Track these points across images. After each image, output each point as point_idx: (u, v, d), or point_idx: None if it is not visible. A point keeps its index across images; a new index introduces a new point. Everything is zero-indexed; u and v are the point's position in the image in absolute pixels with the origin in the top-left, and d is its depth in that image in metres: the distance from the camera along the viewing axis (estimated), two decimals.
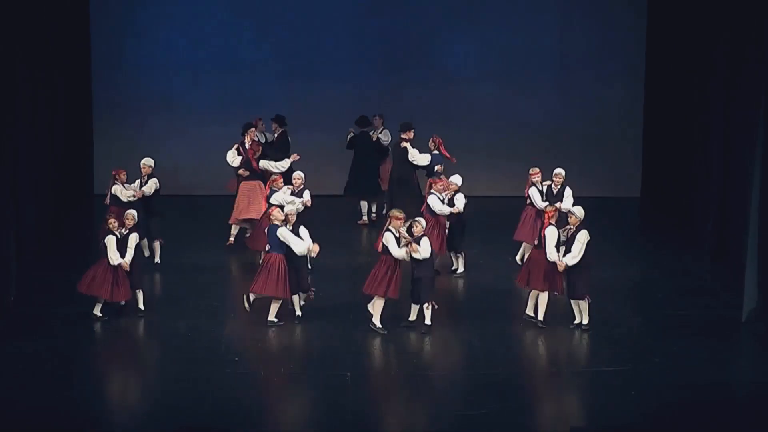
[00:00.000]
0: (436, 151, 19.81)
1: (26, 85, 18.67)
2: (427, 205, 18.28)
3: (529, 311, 16.41)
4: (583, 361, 15.50)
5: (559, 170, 18.62)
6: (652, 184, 23.50)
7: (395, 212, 16.20)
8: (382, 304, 16.06)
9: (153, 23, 23.56)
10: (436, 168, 19.59)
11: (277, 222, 16.19)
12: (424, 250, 15.88)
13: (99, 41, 23.30)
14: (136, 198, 18.21)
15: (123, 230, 16.34)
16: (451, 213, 18.19)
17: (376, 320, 16.07)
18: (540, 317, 16.22)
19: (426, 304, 16.01)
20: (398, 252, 15.92)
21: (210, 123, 23.33)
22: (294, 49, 23.70)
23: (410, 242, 15.87)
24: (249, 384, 14.58)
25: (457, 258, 18.70)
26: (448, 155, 19.74)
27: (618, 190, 23.68)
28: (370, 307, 16.18)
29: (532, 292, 16.36)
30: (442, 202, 18.19)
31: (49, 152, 20.07)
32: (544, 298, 16.22)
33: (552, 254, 16.03)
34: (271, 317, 16.21)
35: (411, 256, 15.89)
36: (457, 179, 18.48)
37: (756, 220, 16.43)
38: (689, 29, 21.34)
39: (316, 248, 16.25)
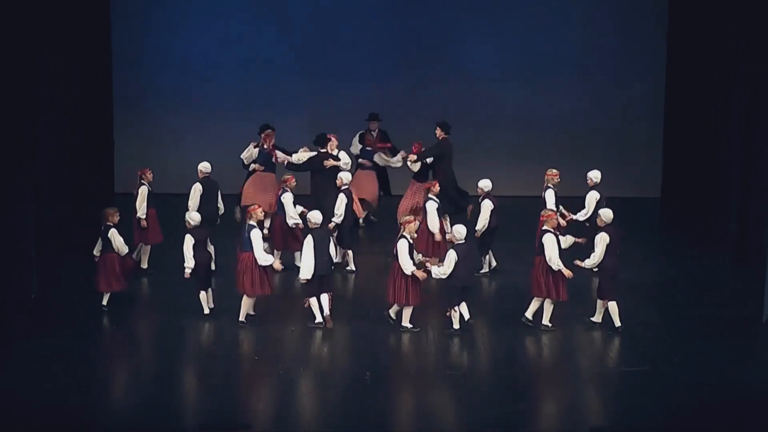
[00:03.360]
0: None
1: (47, 84, 18.73)
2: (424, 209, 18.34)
3: (529, 315, 16.31)
4: (603, 360, 15.47)
5: (591, 173, 18.61)
6: (673, 184, 23.44)
7: (407, 217, 16.19)
8: (411, 310, 16.08)
9: (173, 21, 23.60)
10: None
11: (253, 222, 16.22)
12: (446, 268, 15.80)
13: (119, 39, 23.33)
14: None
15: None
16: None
17: (406, 322, 16.10)
18: (545, 321, 16.17)
19: (447, 311, 16.02)
20: (407, 266, 15.89)
21: (230, 121, 23.34)
22: (314, 48, 23.70)
23: (424, 267, 15.92)
24: (268, 383, 14.61)
25: (483, 259, 18.73)
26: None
27: (638, 190, 23.61)
28: (392, 312, 16.18)
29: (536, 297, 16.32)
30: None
31: (69, 150, 20.14)
32: (548, 304, 16.17)
33: (555, 262, 15.98)
34: (243, 317, 16.24)
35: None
36: (486, 183, 18.47)
37: None
38: (710, 29, 21.28)
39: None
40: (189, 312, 16.65)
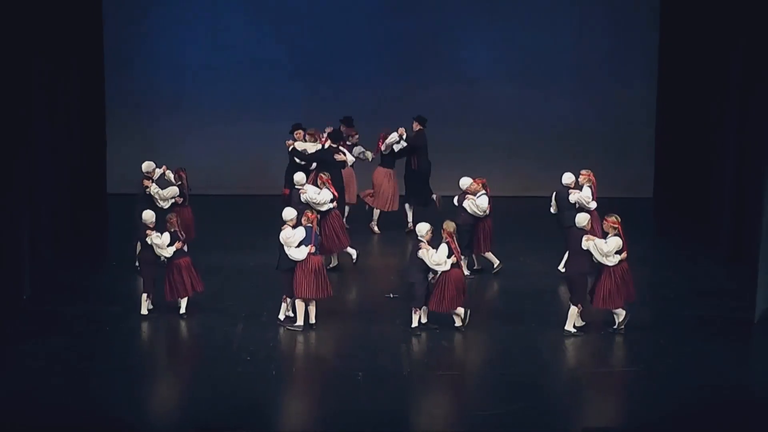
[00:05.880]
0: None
1: (40, 86, 18.71)
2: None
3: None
4: (597, 361, 15.46)
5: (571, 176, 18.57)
6: (666, 185, 23.44)
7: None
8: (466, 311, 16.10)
9: (166, 23, 23.56)
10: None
11: (310, 224, 16.22)
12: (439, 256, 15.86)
13: (112, 41, 23.30)
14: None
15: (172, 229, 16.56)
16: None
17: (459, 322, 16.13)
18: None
19: (414, 310, 16.08)
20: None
21: (224, 123, 23.33)
22: (309, 49, 23.68)
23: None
24: (261, 383, 14.59)
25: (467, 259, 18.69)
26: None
27: (631, 190, 23.61)
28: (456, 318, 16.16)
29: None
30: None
31: (63, 152, 20.11)
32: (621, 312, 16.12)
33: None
34: (300, 321, 16.19)
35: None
36: (465, 181, 18.45)
37: None
38: (704, 30, 21.28)
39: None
40: (187, 312, 16.62)
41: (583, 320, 16.13)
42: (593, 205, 17.88)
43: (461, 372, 15.07)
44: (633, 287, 16.06)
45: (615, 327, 16.04)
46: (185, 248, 16.58)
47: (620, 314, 16.07)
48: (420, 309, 16.08)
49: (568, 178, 18.40)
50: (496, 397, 14.13)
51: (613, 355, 15.53)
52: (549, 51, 23.72)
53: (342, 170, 20.02)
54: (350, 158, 20.24)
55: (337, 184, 19.01)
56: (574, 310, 16.04)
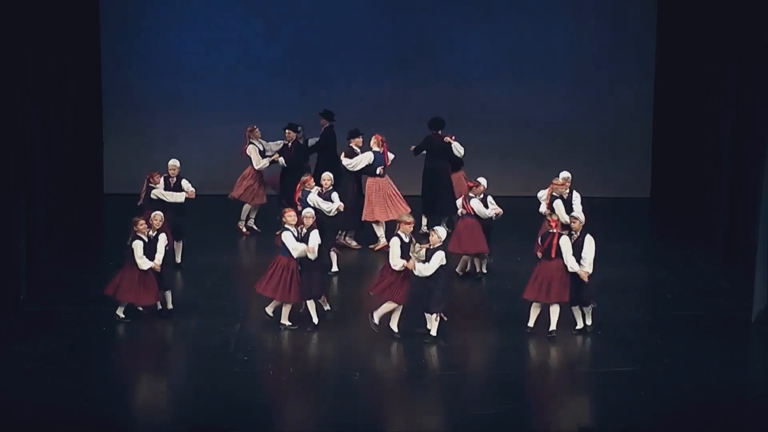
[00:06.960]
0: (377, 149, 19.91)
1: (37, 85, 18.71)
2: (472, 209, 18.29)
3: (532, 323, 16.09)
4: (593, 361, 15.48)
5: (565, 174, 18.46)
6: (663, 185, 23.48)
7: (404, 217, 16.13)
8: (390, 307, 15.90)
9: (163, 22, 23.54)
10: (378, 169, 19.77)
11: (289, 226, 16.18)
12: (430, 266, 15.54)
13: (109, 40, 23.30)
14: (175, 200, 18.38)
15: (151, 232, 16.34)
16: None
17: (376, 318, 15.89)
18: (552, 327, 15.92)
19: (435, 315, 15.83)
20: (396, 262, 15.67)
21: (220, 122, 23.29)
22: (305, 48, 23.67)
23: (416, 257, 15.59)
24: (258, 383, 14.61)
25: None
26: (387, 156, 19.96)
27: (628, 190, 23.64)
28: (376, 318, 15.99)
29: (536, 303, 16.05)
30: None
31: (59, 152, 20.11)
32: (556, 309, 15.91)
33: (573, 264, 15.73)
34: (284, 320, 16.18)
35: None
36: (482, 181, 18.49)
37: (766, 221, 16.39)
38: (700, 29, 21.32)
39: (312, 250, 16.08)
40: (179, 313, 16.62)
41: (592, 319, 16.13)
42: (542, 207, 17.96)
43: (459, 372, 15.07)
44: (564, 288, 15.74)
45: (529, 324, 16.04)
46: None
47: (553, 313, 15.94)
48: (439, 313, 15.78)
49: (561, 175, 18.49)
50: (491, 397, 14.14)
51: (608, 354, 15.53)
52: (544, 50, 23.71)
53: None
54: (346, 162, 19.84)
55: (339, 185, 19.17)
56: (590, 309, 16.00)
